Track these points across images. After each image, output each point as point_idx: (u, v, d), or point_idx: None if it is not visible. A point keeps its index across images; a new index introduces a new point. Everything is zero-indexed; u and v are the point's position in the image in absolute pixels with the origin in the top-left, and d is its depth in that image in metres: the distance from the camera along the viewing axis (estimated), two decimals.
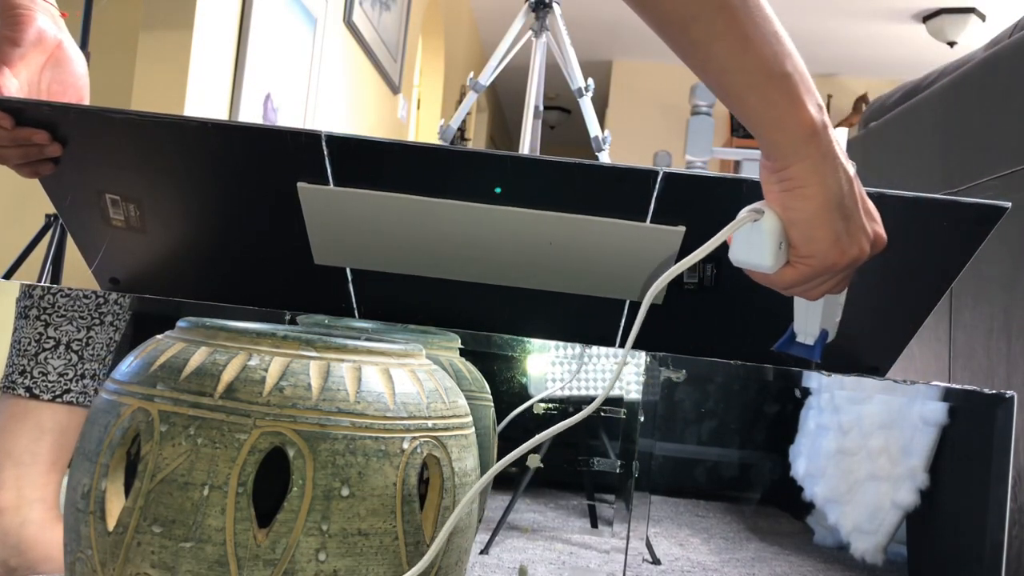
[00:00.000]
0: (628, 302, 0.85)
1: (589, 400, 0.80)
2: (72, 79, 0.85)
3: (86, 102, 0.87)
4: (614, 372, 0.62)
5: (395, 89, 4.35)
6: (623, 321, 0.86)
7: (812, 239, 0.61)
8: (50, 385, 0.84)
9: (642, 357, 0.79)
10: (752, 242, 0.62)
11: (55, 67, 0.83)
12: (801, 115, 0.59)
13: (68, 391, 0.84)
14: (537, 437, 0.60)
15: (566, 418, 0.80)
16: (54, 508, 0.87)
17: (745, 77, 0.59)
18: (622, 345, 0.88)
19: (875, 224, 0.65)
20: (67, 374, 0.84)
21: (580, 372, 0.80)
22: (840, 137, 0.61)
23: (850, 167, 0.62)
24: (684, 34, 0.59)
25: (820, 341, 0.72)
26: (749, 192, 0.73)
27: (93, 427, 0.56)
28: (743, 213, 0.62)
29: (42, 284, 0.84)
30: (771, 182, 0.61)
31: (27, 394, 0.84)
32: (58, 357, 0.84)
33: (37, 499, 0.86)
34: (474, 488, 0.59)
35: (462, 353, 0.80)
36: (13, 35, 0.80)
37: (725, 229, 0.62)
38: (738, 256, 0.63)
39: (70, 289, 0.84)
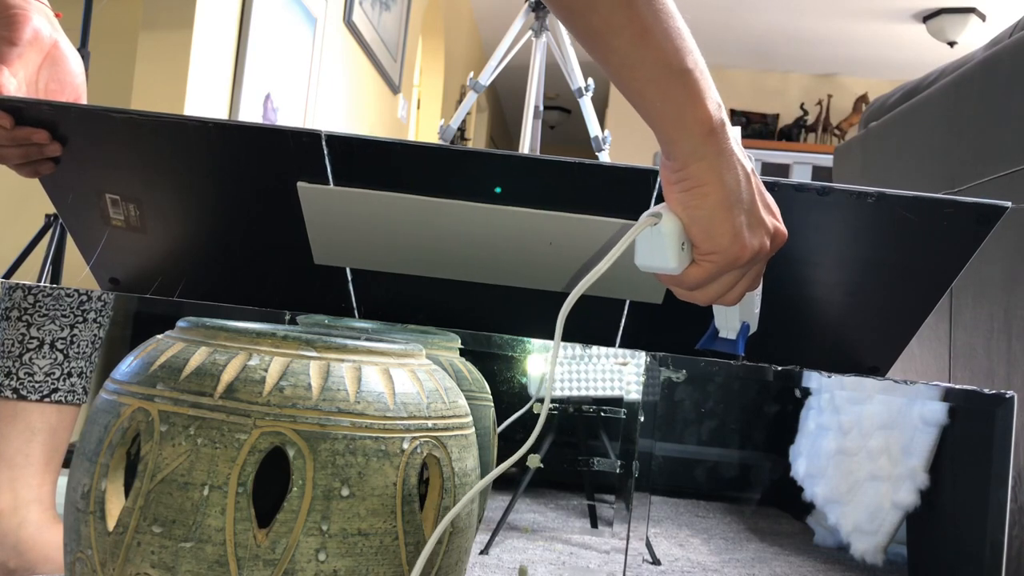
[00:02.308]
0: (628, 302, 0.85)
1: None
2: (69, 78, 0.85)
3: (83, 101, 0.87)
4: (549, 370, 0.62)
5: (395, 89, 4.35)
6: (623, 321, 0.86)
7: (712, 235, 0.62)
8: (37, 385, 0.84)
9: (642, 357, 0.79)
10: (654, 246, 0.62)
11: (52, 66, 0.83)
12: (700, 112, 0.59)
13: (56, 390, 0.84)
14: (525, 446, 0.60)
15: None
16: (51, 508, 0.87)
17: (645, 71, 0.59)
18: (623, 345, 0.88)
19: (775, 218, 0.65)
20: (53, 373, 0.84)
21: (580, 372, 0.80)
22: (735, 135, 0.62)
23: (747, 162, 0.62)
24: (584, 23, 0.59)
25: (742, 335, 0.72)
26: None
27: (93, 427, 0.56)
28: (642, 219, 0.63)
29: (22, 284, 0.84)
30: (670, 182, 0.62)
31: (14, 396, 0.84)
32: (43, 357, 0.84)
33: (33, 500, 0.86)
34: (474, 489, 0.59)
35: (462, 353, 0.80)
36: (10, 35, 0.80)
37: (625, 237, 0.63)
38: (643, 261, 0.64)
39: (51, 288, 0.84)
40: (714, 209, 0.61)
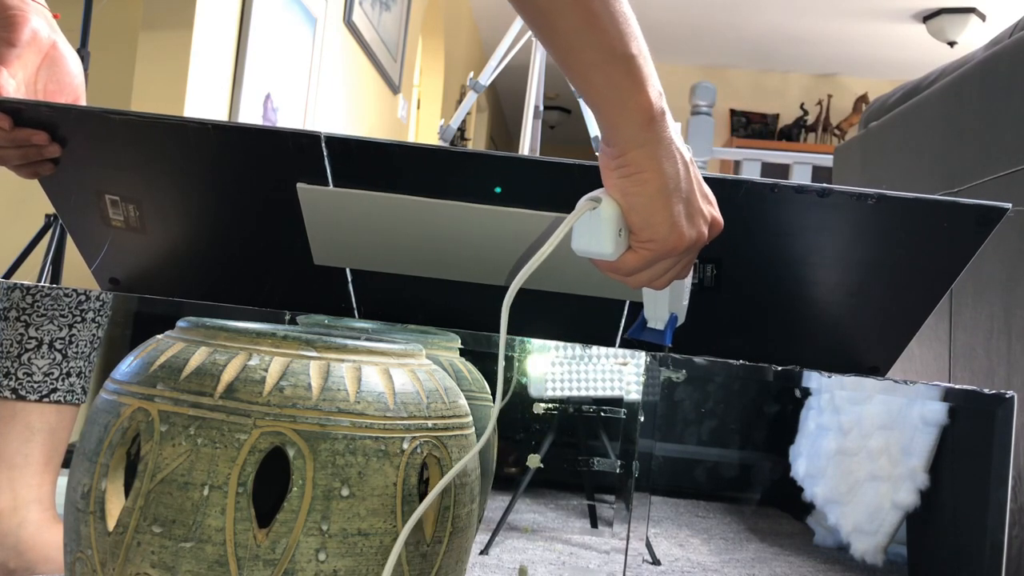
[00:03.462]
0: (628, 302, 0.85)
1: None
2: (68, 79, 0.85)
3: (82, 102, 0.87)
4: (499, 365, 0.61)
5: (395, 89, 4.35)
6: (623, 321, 0.86)
7: (651, 223, 0.62)
8: (36, 385, 0.84)
9: (642, 357, 0.79)
10: (592, 231, 0.62)
11: (51, 67, 0.83)
12: (642, 99, 0.59)
13: (55, 390, 0.84)
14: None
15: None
16: (51, 508, 0.87)
17: (590, 54, 0.59)
18: (623, 345, 0.88)
19: (712, 208, 0.66)
20: (52, 373, 0.84)
21: (580, 372, 0.80)
22: (676, 127, 0.62)
23: (686, 152, 0.63)
24: (530, 1, 0.58)
25: (670, 326, 0.73)
26: (749, 193, 0.73)
27: (93, 427, 0.56)
28: (581, 202, 0.63)
29: (21, 284, 0.84)
30: (610, 168, 0.62)
31: (13, 396, 0.84)
32: (42, 357, 0.84)
33: (33, 500, 0.86)
34: (474, 450, 0.59)
35: (462, 353, 0.80)
36: (8, 36, 0.80)
37: (566, 220, 0.62)
38: (579, 246, 0.63)
39: (49, 288, 0.84)
40: (653, 196, 0.61)
